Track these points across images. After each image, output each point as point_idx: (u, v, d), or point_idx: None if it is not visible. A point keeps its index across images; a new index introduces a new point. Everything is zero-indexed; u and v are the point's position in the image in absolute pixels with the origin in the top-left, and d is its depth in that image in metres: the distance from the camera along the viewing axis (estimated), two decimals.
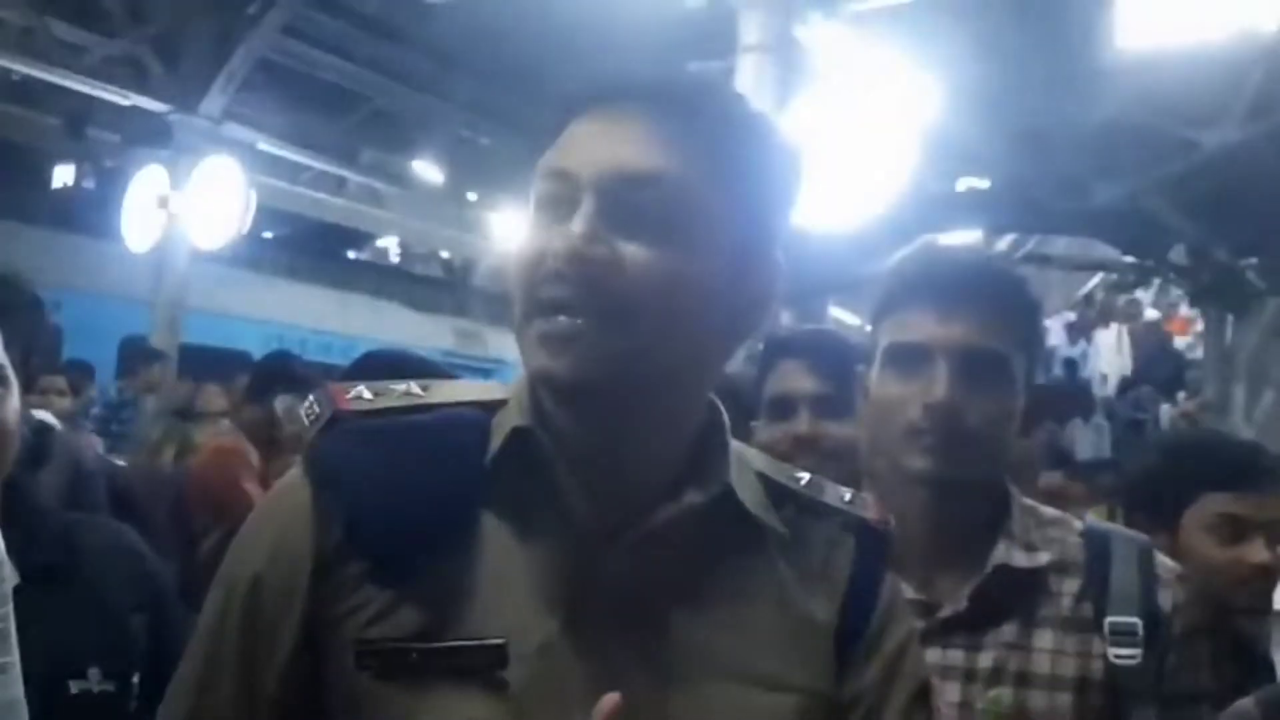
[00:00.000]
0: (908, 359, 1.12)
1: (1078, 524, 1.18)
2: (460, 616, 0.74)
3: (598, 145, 0.75)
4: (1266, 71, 5.50)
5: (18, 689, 0.91)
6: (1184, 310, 11.17)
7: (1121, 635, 1.08)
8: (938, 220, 7.14)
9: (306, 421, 0.79)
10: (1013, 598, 1.10)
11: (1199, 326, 9.07)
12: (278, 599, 0.76)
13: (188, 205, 6.96)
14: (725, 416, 0.81)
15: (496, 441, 0.77)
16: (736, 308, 0.78)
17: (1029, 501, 1.17)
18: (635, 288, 0.71)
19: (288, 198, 9.24)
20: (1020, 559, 1.11)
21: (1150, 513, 1.62)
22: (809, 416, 1.49)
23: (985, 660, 1.09)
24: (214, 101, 7.14)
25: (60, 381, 4.27)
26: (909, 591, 1.07)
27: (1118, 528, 1.23)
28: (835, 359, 1.48)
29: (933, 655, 1.06)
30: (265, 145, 7.83)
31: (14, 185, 8.07)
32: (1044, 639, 1.09)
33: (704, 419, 0.80)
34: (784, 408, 1.52)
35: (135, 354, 5.04)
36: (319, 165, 8.94)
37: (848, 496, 0.86)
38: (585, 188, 0.73)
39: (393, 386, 0.81)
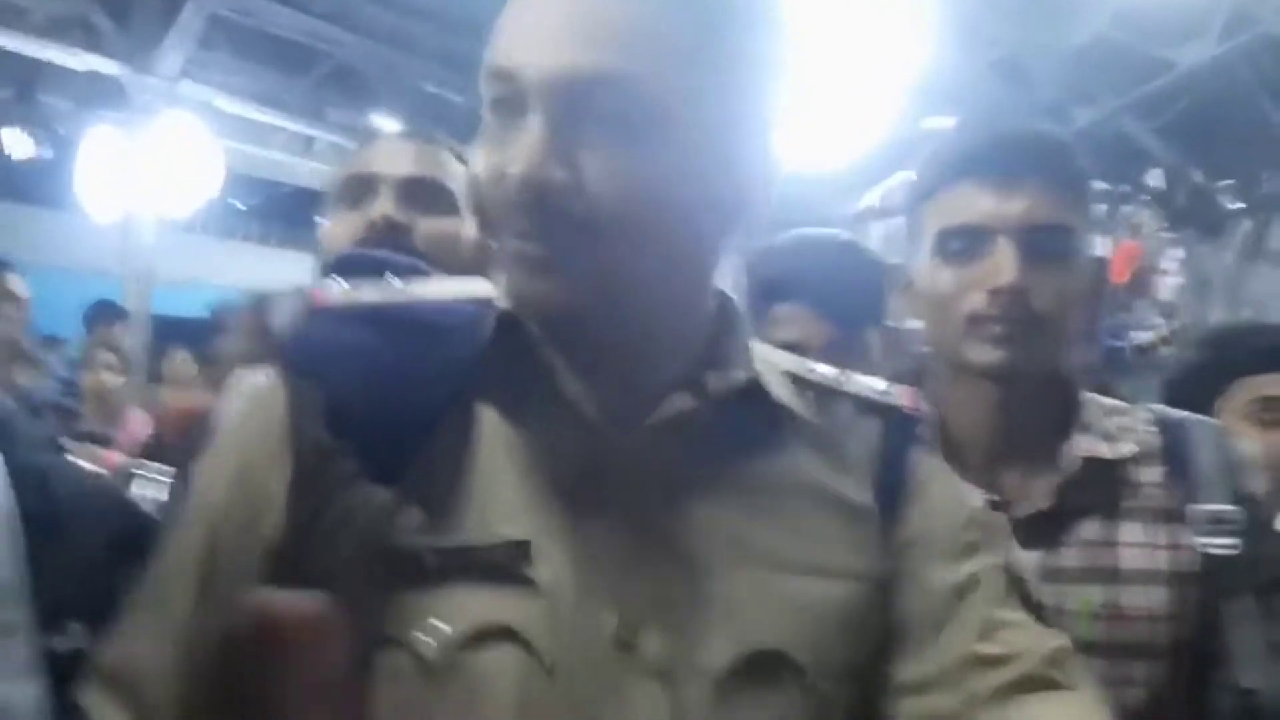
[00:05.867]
0: (966, 242, 1.04)
1: (1143, 411, 1.12)
2: (471, 514, 0.68)
3: (541, 35, 0.65)
4: None
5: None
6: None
7: (1215, 524, 1.02)
8: (910, 155, 7.07)
9: (277, 325, 0.74)
10: (1095, 492, 1.04)
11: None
12: (240, 535, 0.69)
13: (152, 172, 6.77)
14: (738, 310, 0.77)
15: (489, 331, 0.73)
16: (724, 201, 0.71)
17: (1086, 392, 1.11)
18: (602, 209, 0.64)
19: (257, 163, 9.06)
20: (1104, 450, 1.04)
21: (1190, 409, 1.60)
22: None
23: (1070, 559, 1.02)
24: (168, 60, 6.92)
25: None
26: (975, 493, 1.01)
27: (1189, 414, 1.15)
28: (846, 294, 1.32)
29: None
30: (224, 103, 7.61)
31: None
32: (1131, 533, 1.03)
33: (715, 312, 0.76)
34: None
35: (97, 313, 4.90)
36: (285, 126, 8.74)
37: (881, 387, 0.82)
38: (533, 94, 0.65)
39: (373, 284, 0.75)
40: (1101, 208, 8.98)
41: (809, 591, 0.71)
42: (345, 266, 0.82)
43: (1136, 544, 1.03)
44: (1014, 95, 6.54)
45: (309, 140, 9.42)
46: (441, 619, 0.66)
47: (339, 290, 0.74)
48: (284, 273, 9.27)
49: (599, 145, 0.64)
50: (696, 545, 0.70)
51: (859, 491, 0.76)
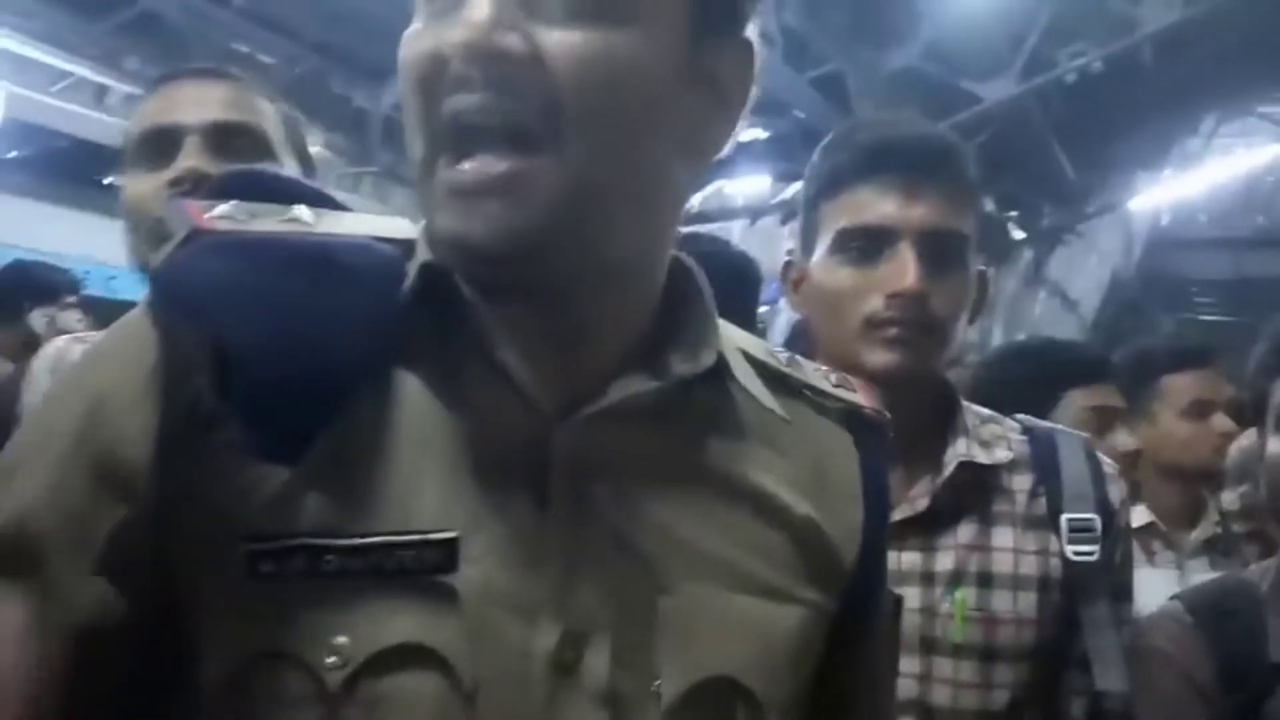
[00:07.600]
0: (867, 242, 1.03)
1: (1011, 421, 1.15)
2: (384, 506, 0.56)
3: None
4: (1044, 31, 5.86)
5: None
6: None
7: (1080, 532, 1.05)
8: (727, 165, 7.26)
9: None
10: (970, 496, 1.05)
11: None
12: (92, 493, 0.55)
13: None
14: (698, 274, 0.66)
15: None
16: (696, 107, 0.61)
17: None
18: (567, 88, 0.54)
19: (38, 108, 8.28)
20: (980, 455, 1.05)
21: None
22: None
23: (944, 562, 1.03)
24: None
25: None
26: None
27: (1056, 425, 1.20)
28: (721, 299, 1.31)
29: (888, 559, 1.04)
30: (8, 42, 6.95)
31: None
32: (1003, 538, 1.05)
33: (671, 277, 0.65)
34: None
35: None
36: (76, 70, 8.04)
37: (834, 379, 0.73)
38: None
39: (273, 209, 0.61)
40: None
41: (764, 615, 0.64)
42: (232, 184, 0.64)
43: (1008, 549, 1.05)
44: (832, 111, 6.81)
45: (102, 89, 8.74)
46: (346, 634, 0.54)
47: (228, 210, 0.59)
48: (64, 234, 8.54)
49: (557, 17, 0.55)
50: (647, 553, 0.60)
51: (830, 512, 0.68)
